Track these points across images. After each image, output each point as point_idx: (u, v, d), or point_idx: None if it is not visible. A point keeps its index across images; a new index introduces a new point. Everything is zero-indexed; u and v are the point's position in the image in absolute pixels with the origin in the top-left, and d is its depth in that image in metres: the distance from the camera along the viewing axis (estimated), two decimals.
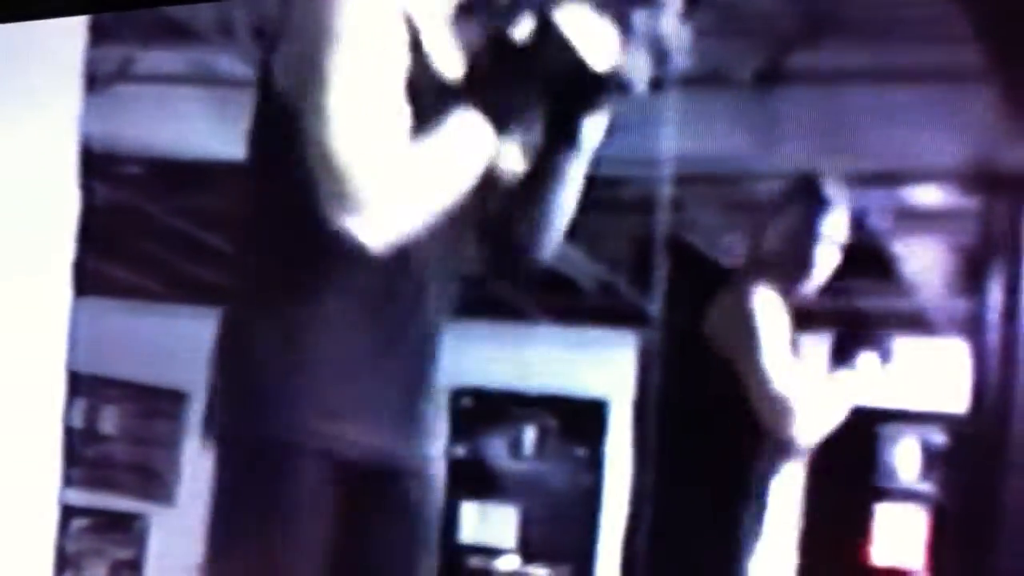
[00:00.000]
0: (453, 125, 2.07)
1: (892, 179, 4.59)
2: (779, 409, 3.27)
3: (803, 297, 3.41)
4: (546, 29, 2.11)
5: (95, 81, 4.07)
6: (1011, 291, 4.66)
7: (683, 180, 4.37)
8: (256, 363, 2.10)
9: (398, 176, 1.98)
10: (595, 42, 2.12)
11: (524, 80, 2.11)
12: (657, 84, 4.36)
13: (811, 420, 3.32)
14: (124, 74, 4.65)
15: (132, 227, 6.56)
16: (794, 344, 3.39)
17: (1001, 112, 4.56)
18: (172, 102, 4.88)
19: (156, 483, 9.15)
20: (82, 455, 8.50)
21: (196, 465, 9.33)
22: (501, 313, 7.53)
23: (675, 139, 4.29)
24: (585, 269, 6.16)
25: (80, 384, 4.42)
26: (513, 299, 7.20)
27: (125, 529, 9.11)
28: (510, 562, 8.41)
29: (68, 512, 4.81)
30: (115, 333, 8.28)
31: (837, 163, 3.44)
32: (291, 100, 2.04)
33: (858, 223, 5.78)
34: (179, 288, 8.18)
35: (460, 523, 8.65)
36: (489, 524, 8.68)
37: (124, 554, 9.23)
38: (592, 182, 5.62)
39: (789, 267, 3.41)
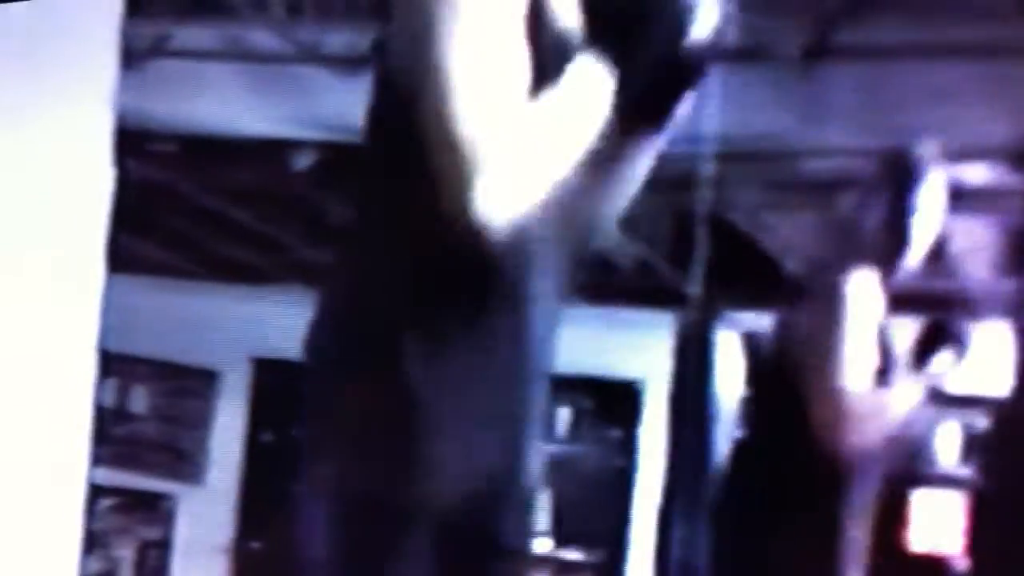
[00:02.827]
0: (575, 75, 1.92)
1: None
2: (842, 417, 3.20)
3: (901, 278, 3.31)
4: None
5: (130, 57, 4.03)
6: None
7: (725, 157, 4.32)
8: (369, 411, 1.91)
9: (522, 137, 1.87)
10: (706, 14, 2.02)
11: (642, 29, 2.00)
12: None
13: (868, 431, 3.26)
14: (159, 50, 4.61)
15: (166, 204, 6.53)
16: (883, 331, 3.30)
17: None
18: (206, 78, 4.84)
19: (185, 463, 9.12)
20: (111, 434, 8.47)
21: (225, 445, 9.35)
22: None
23: (718, 115, 4.22)
24: (622, 247, 6.09)
25: (111, 362, 4.38)
26: None
27: (153, 508, 9.09)
28: (543, 545, 8.39)
29: (96, 491, 4.77)
30: (147, 311, 8.26)
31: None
32: (405, 79, 1.91)
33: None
34: (212, 266, 8.16)
35: None
36: None
37: (152, 533, 9.21)
38: None
39: (888, 247, 3.32)
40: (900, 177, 3.34)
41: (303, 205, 6.14)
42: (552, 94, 1.89)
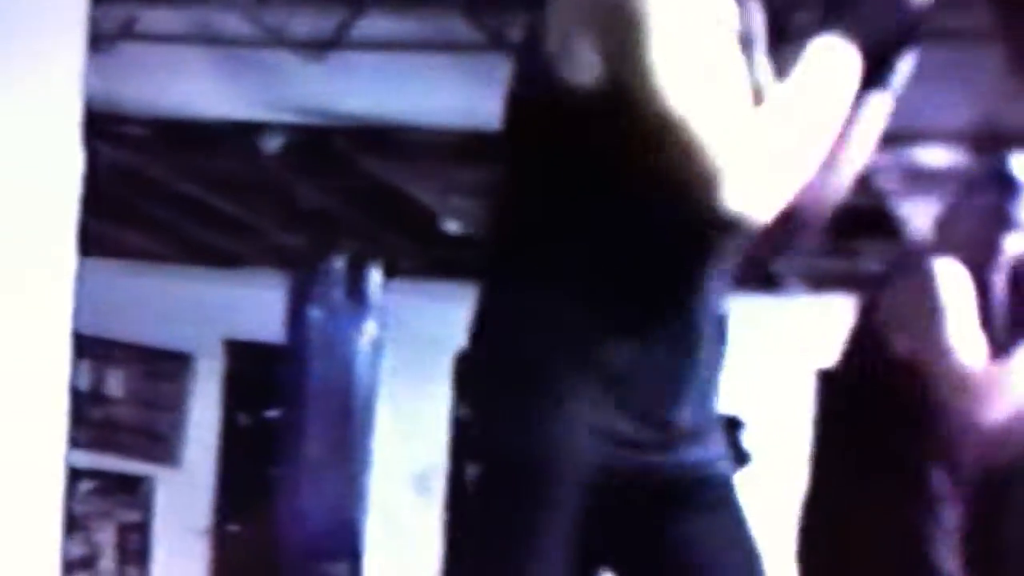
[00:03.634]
0: (815, 56, 1.86)
1: (898, 139, 4.57)
2: (966, 389, 3.10)
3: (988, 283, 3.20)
4: None
5: (98, 40, 4.05)
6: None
7: None
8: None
9: (764, 133, 1.82)
10: None
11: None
12: None
13: (999, 399, 3.16)
14: (127, 33, 4.63)
15: (137, 188, 6.55)
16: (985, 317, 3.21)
17: (1007, 73, 4.53)
18: (176, 62, 4.86)
19: (162, 445, 9.14)
20: (88, 417, 8.49)
21: (202, 428, 9.35)
22: None
23: None
24: None
25: (86, 346, 4.40)
26: None
27: (132, 491, 9.12)
28: None
29: (75, 474, 4.79)
30: (120, 295, 8.27)
31: None
32: (601, 91, 1.84)
33: (865, 183, 5.76)
34: (184, 250, 8.17)
35: (466, 484, 8.65)
36: None
37: (131, 516, 9.23)
38: None
39: (980, 252, 3.23)
40: (1003, 187, 3.25)
41: (273, 188, 6.17)
42: (792, 80, 1.86)
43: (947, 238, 3.24)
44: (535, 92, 1.95)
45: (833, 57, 1.87)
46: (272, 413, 7.84)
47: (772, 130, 1.83)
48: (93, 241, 3.76)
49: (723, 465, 2.02)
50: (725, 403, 2.17)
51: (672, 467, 1.97)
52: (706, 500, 1.99)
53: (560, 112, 1.91)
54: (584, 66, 1.86)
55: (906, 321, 3.10)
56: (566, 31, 1.90)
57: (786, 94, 1.86)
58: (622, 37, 1.85)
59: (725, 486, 2.01)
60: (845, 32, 1.88)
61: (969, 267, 3.13)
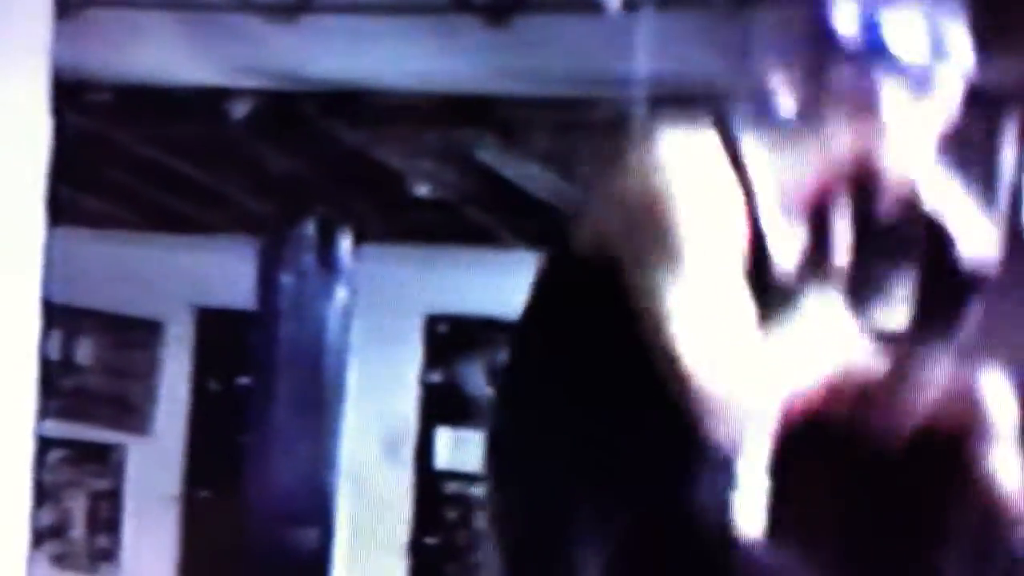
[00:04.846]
0: (811, 309, 1.91)
1: None
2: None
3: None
4: (917, 212, 1.96)
5: (65, 6, 4.04)
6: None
7: (656, 101, 4.38)
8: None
9: (751, 370, 1.85)
10: (972, 234, 1.96)
11: (891, 263, 1.98)
12: (631, 4, 4.34)
13: None
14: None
15: (105, 156, 6.53)
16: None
17: (977, 28, 4.56)
18: (143, 27, 4.85)
19: (133, 413, 9.15)
20: (59, 386, 8.48)
21: (172, 395, 9.34)
22: (477, 238, 7.54)
23: (648, 60, 4.29)
24: (559, 191, 6.16)
25: (56, 315, 4.40)
26: (489, 224, 7.20)
27: (103, 459, 9.13)
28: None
29: (45, 444, 4.79)
30: (90, 263, 8.26)
31: None
32: (608, 267, 1.90)
33: None
34: (154, 217, 8.16)
35: (436, 449, 8.73)
36: (464, 450, 8.74)
37: (102, 484, 9.25)
38: (565, 103, 5.62)
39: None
40: None
41: (242, 154, 6.17)
42: (788, 327, 1.90)
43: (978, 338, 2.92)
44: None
45: (829, 312, 1.93)
46: (242, 380, 7.85)
47: (763, 364, 1.85)
48: (62, 210, 3.77)
49: None
50: None
51: None
52: None
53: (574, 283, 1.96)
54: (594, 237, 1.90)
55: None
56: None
57: (784, 339, 1.89)
58: (630, 215, 1.87)
59: None
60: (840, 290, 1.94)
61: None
